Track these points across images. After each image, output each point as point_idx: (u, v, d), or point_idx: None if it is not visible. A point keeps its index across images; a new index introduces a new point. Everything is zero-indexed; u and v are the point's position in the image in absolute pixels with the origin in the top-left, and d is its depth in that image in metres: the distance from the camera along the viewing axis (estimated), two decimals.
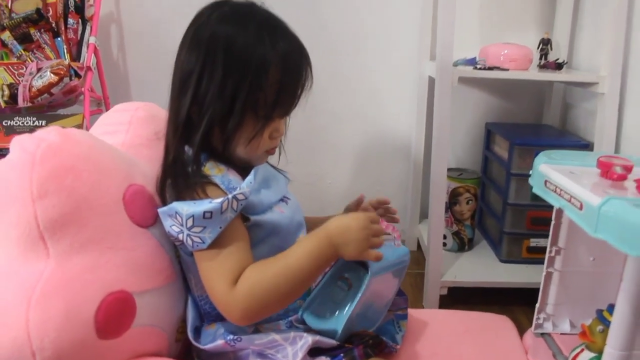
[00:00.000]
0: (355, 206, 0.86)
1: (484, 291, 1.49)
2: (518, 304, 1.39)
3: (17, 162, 0.57)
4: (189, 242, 0.63)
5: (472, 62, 1.49)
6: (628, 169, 0.80)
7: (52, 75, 1.43)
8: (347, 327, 0.69)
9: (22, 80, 1.47)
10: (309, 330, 0.70)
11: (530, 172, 0.93)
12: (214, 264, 0.64)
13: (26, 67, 1.50)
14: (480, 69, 1.43)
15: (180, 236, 0.64)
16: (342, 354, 0.68)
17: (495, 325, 0.92)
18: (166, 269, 0.69)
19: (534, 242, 1.55)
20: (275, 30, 0.68)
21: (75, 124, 1.45)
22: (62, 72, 1.44)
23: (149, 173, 0.71)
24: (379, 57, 1.80)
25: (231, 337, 0.66)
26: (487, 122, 1.78)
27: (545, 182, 0.86)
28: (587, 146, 1.49)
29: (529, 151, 1.49)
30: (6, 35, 1.56)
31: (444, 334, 0.87)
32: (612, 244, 0.65)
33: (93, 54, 1.58)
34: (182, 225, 0.63)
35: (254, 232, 0.68)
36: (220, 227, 0.63)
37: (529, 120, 1.84)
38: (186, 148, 0.69)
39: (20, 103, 1.46)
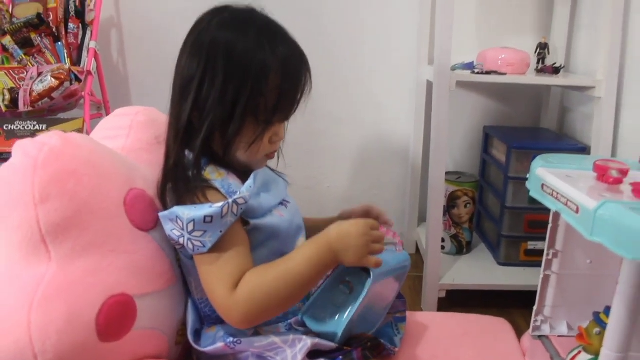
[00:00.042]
0: (360, 213, 0.86)
1: (482, 294, 1.49)
2: (516, 306, 1.40)
3: (20, 167, 0.58)
4: (190, 246, 0.64)
5: (469, 66, 1.50)
6: (624, 173, 0.81)
7: (52, 79, 1.44)
8: (347, 330, 0.70)
9: (23, 85, 1.48)
10: (308, 333, 0.70)
11: (528, 175, 0.94)
12: (214, 268, 0.65)
13: (27, 72, 1.50)
14: (477, 73, 1.44)
15: (181, 240, 0.64)
16: (341, 357, 0.69)
17: (493, 328, 0.92)
18: (167, 272, 0.69)
19: (531, 245, 1.55)
20: (275, 36, 0.68)
21: (76, 127, 1.45)
22: (62, 77, 1.45)
23: (150, 177, 0.72)
24: (378, 61, 1.81)
25: (231, 339, 0.67)
26: (485, 126, 1.79)
27: (542, 185, 0.87)
28: (585, 150, 1.50)
29: (527, 155, 1.49)
30: (7, 40, 1.57)
31: (443, 336, 0.87)
32: (608, 247, 0.66)
33: (93, 59, 1.59)
34: (182, 229, 0.63)
35: (253, 235, 0.69)
36: (221, 231, 0.63)
37: (527, 124, 1.85)
38: (186, 152, 0.69)
39: (21, 107, 1.47)
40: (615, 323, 0.71)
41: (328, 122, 1.84)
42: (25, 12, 1.60)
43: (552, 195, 0.84)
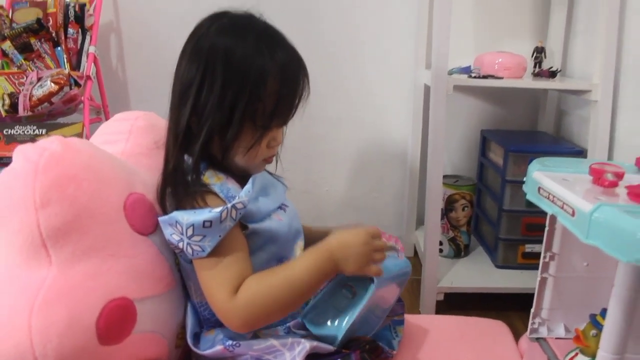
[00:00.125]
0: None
1: (480, 297, 1.50)
2: (514, 309, 1.40)
3: (20, 171, 0.58)
4: (189, 250, 0.64)
5: (466, 70, 1.51)
6: (619, 176, 0.81)
7: (52, 84, 1.44)
8: (347, 334, 0.70)
9: (22, 90, 1.49)
10: (307, 336, 0.70)
11: (525, 178, 0.94)
12: (214, 273, 0.65)
13: (27, 77, 1.51)
14: (474, 77, 1.45)
15: (181, 244, 0.65)
16: (339, 359, 0.69)
17: (491, 330, 0.93)
18: (166, 276, 0.69)
19: (529, 247, 1.56)
20: (273, 42, 0.69)
21: (75, 132, 1.46)
22: (62, 81, 1.45)
23: (149, 182, 0.72)
24: (375, 65, 1.82)
25: (230, 342, 0.67)
26: (482, 129, 1.80)
27: (539, 189, 0.88)
28: (581, 153, 1.51)
29: (524, 158, 1.50)
30: (7, 45, 1.57)
31: (441, 339, 0.87)
32: (604, 249, 0.67)
33: (93, 63, 1.60)
34: (182, 234, 0.64)
35: (252, 239, 0.69)
36: (220, 236, 0.64)
37: (524, 127, 1.85)
38: (185, 157, 0.70)
39: (21, 112, 1.47)
40: (611, 325, 0.71)
41: (326, 126, 1.85)
42: (25, 17, 1.60)
43: (548, 198, 0.84)
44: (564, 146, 1.61)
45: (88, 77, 1.57)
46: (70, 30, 1.61)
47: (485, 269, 1.60)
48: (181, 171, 0.69)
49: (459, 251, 1.68)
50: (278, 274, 0.67)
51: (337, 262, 0.67)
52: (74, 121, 1.51)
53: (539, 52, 1.61)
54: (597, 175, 0.82)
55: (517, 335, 0.94)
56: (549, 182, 0.85)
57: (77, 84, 1.52)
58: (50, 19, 1.61)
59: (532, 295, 0.96)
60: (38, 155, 0.59)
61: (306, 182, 1.90)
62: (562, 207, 0.79)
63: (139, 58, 1.83)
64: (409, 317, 0.88)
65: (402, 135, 1.87)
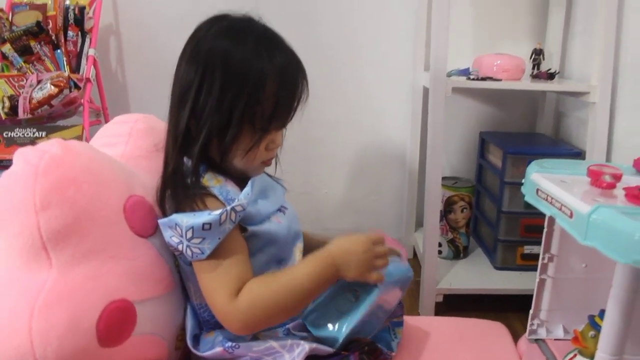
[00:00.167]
0: None
1: (479, 298, 1.50)
2: (513, 310, 1.41)
3: (21, 174, 0.59)
4: (189, 252, 0.65)
5: (465, 72, 1.51)
6: (617, 178, 0.82)
7: (52, 87, 1.45)
8: (348, 336, 0.71)
9: (22, 92, 1.49)
10: (306, 338, 0.70)
11: (523, 180, 0.95)
12: (215, 276, 0.65)
13: (26, 79, 1.51)
14: (473, 79, 1.45)
15: (180, 247, 0.65)
16: None
17: (490, 332, 0.93)
18: (166, 278, 0.70)
19: (527, 249, 1.56)
20: (272, 44, 0.69)
21: (75, 134, 1.46)
22: (62, 84, 1.45)
23: (149, 184, 0.72)
24: (374, 67, 1.83)
25: (229, 344, 0.67)
26: (481, 131, 1.80)
27: (537, 190, 0.88)
28: (580, 154, 1.51)
29: (523, 160, 1.50)
30: (7, 48, 1.58)
31: (440, 340, 0.88)
32: (601, 251, 0.67)
33: (92, 66, 1.60)
34: (181, 236, 0.64)
35: (251, 242, 0.70)
36: (219, 238, 0.64)
37: (523, 129, 1.86)
38: (185, 159, 0.70)
39: (21, 114, 1.48)
40: (609, 326, 0.71)
41: (325, 129, 1.86)
42: (25, 20, 1.61)
43: (546, 200, 0.85)
44: (562, 148, 1.61)
45: (88, 80, 1.58)
46: (70, 33, 1.62)
47: (484, 271, 1.60)
48: (181, 173, 0.69)
49: (458, 253, 1.68)
50: (280, 279, 0.67)
51: (339, 268, 0.68)
52: (74, 124, 1.51)
53: (538, 54, 1.62)
54: (595, 177, 0.82)
55: (516, 337, 0.94)
56: (547, 183, 0.85)
57: (77, 87, 1.53)
58: (50, 21, 1.61)
59: (531, 296, 0.97)
60: (38, 158, 0.59)
61: (305, 184, 1.90)
62: (560, 209, 0.79)
63: (139, 61, 1.83)
64: (408, 319, 0.88)
65: (401, 138, 1.87)
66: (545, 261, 0.95)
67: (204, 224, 0.63)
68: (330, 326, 0.71)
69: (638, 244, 0.62)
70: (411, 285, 1.52)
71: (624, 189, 0.77)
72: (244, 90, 0.65)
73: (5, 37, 1.58)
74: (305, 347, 0.67)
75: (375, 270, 0.70)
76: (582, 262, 0.94)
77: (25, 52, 1.59)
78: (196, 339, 0.72)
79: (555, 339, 0.96)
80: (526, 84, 1.51)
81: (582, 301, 0.94)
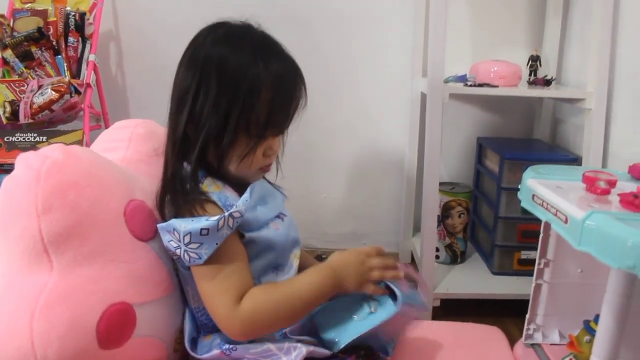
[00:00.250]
0: None
1: (476, 303, 1.50)
2: (509, 315, 1.41)
3: (23, 178, 0.59)
4: (186, 257, 0.65)
5: (462, 78, 1.52)
6: (612, 184, 0.82)
7: (52, 92, 1.46)
8: (350, 344, 0.71)
9: (23, 97, 1.50)
10: (303, 340, 0.71)
11: (520, 186, 0.95)
12: (215, 283, 0.66)
13: (27, 84, 1.52)
14: (470, 85, 1.46)
15: (178, 251, 0.66)
16: None
17: (486, 336, 0.93)
18: (165, 281, 0.70)
19: (524, 254, 1.57)
20: (269, 52, 0.70)
21: (76, 139, 1.47)
22: (62, 89, 1.47)
23: (149, 188, 0.73)
24: (373, 74, 1.84)
25: (227, 346, 0.68)
26: (478, 137, 1.81)
27: (533, 196, 0.89)
28: (576, 160, 1.52)
29: (520, 165, 1.51)
30: (8, 54, 1.59)
31: (436, 345, 0.88)
32: (596, 256, 0.68)
33: (93, 71, 1.61)
34: (179, 241, 0.65)
35: (249, 247, 0.70)
36: (217, 244, 0.65)
37: (520, 134, 1.87)
38: (185, 164, 0.70)
39: (22, 119, 1.49)
40: (603, 331, 0.72)
41: (324, 134, 1.86)
42: (26, 26, 1.62)
43: (542, 205, 0.85)
44: (558, 154, 1.62)
45: (88, 85, 1.59)
46: (71, 39, 1.63)
47: (481, 276, 1.60)
48: (180, 178, 0.69)
49: (455, 258, 1.69)
50: (282, 288, 0.69)
51: (338, 281, 0.69)
52: (74, 128, 1.52)
53: (534, 61, 1.63)
54: (590, 183, 0.83)
55: (512, 341, 0.94)
56: (543, 189, 0.86)
57: (77, 92, 1.54)
58: (51, 27, 1.62)
59: (528, 301, 0.97)
60: (40, 162, 0.60)
61: (304, 189, 1.91)
62: (555, 214, 0.80)
63: (138, 66, 1.84)
64: None
65: (399, 143, 1.88)
66: (541, 266, 0.95)
67: (201, 230, 0.64)
68: (336, 327, 0.71)
69: (631, 250, 0.62)
70: None
71: (619, 195, 0.78)
72: (239, 97, 0.66)
73: (7, 43, 1.59)
74: (302, 350, 0.68)
75: (371, 282, 0.71)
76: (578, 268, 0.95)
77: (26, 57, 1.60)
78: (194, 342, 0.73)
79: (551, 344, 0.96)
80: (523, 90, 1.52)
81: (578, 306, 0.94)
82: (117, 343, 0.61)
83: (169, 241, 0.66)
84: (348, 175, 1.92)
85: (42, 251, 0.58)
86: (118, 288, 0.62)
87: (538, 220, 0.89)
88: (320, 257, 0.91)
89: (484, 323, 0.97)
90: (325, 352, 0.70)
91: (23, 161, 0.61)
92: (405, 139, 1.86)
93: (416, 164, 1.84)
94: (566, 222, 0.76)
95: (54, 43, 1.62)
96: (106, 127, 1.41)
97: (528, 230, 1.53)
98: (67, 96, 1.48)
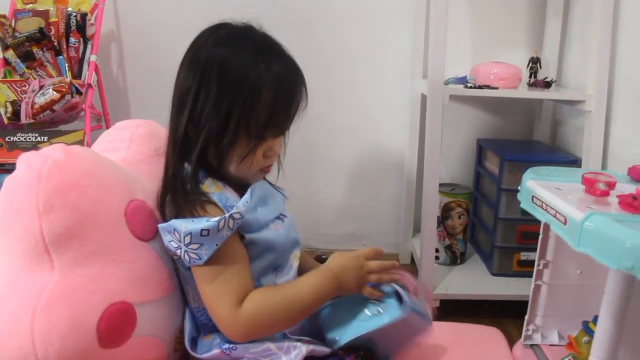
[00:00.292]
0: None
1: (476, 304, 1.51)
2: (509, 316, 1.41)
3: (24, 178, 0.60)
4: (187, 257, 0.66)
5: (462, 80, 1.53)
6: (611, 185, 0.83)
7: (54, 92, 1.46)
8: (349, 343, 0.71)
9: (24, 97, 1.50)
10: (302, 340, 0.71)
11: (519, 187, 0.96)
12: (216, 285, 0.66)
13: (29, 85, 1.53)
14: (470, 87, 1.47)
15: (178, 252, 0.66)
16: None
17: (485, 337, 0.94)
18: (165, 281, 0.71)
19: (524, 255, 1.57)
20: (270, 53, 0.70)
21: (77, 139, 1.47)
22: (63, 90, 1.47)
23: (149, 188, 0.73)
24: (373, 75, 1.84)
25: (227, 346, 0.68)
26: (479, 138, 1.81)
27: (532, 197, 0.89)
28: (576, 162, 1.52)
29: (520, 167, 1.51)
30: (10, 54, 1.60)
31: (436, 345, 0.87)
32: (594, 257, 0.68)
33: (94, 72, 1.61)
34: (180, 241, 0.65)
35: (249, 248, 0.71)
36: (217, 245, 0.65)
37: (520, 136, 1.87)
38: (186, 165, 0.71)
39: (23, 119, 1.49)
40: (601, 331, 0.72)
41: (325, 134, 1.87)
42: (28, 26, 1.62)
43: (541, 207, 0.86)
44: (558, 155, 1.63)
45: (89, 85, 1.59)
46: (72, 39, 1.63)
47: (480, 277, 1.61)
48: (180, 179, 0.70)
49: (455, 259, 1.69)
50: (283, 292, 0.69)
51: (338, 284, 0.70)
52: (75, 129, 1.52)
53: (535, 63, 1.63)
54: (590, 185, 0.83)
55: (511, 342, 0.95)
56: (542, 190, 0.86)
57: (79, 92, 1.54)
58: (53, 28, 1.63)
59: (527, 302, 0.98)
60: (41, 162, 0.60)
61: (304, 190, 1.91)
62: (554, 216, 0.80)
63: (140, 67, 1.85)
64: None
65: (400, 144, 1.89)
66: (541, 267, 0.96)
67: (202, 230, 0.64)
68: (339, 326, 0.72)
69: (630, 251, 0.63)
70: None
71: (618, 196, 0.78)
72: (239, 97, 0.66)
73: (8, 43, 1.60)
74: (302, 349, 0.68)
75: (367, 285, 0.71)
76: (577, 269, 0.95)
77: (27, 58, 1.60)
78: (194, 342, 0.73)
79: (550, 345, 0.96)
80: (522, 92, 1.52)
81: (577, 307, 0.95)
82: (118, 342, 0.61)
83: (169, 241, 0.67)
84: (348, 176, 1.93)
85: (44, 251, 0.58)
86: (119, 288, 0.62)
87: (538, 222, 0.89)
88: (320, 258, 0.91)
89: (484, 324, 0.97)
90: (325, 349, 0.70)
91: (24, 161, 0.62)
92: (405, 140, 1.86)
93: (416, 165, 1.84)
94: (565, 223, 0.76)
95: (56, 43, 1.62)
96: (107, 128, 1.42)
97: (528, 232, 1.54)
98: (68, 96, 1.48)
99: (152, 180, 0.74)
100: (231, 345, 0.68)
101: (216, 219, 0.64)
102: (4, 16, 1.63)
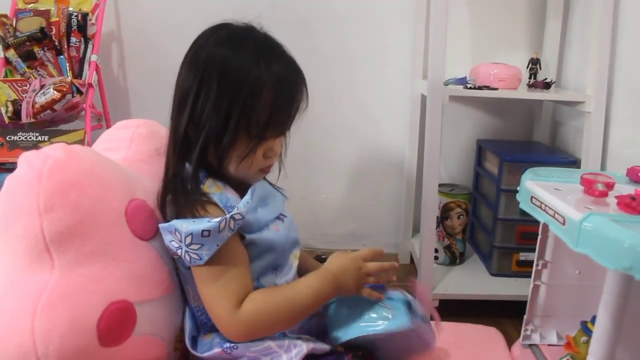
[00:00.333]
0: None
1: (475, 304, 1.51)
2: (508, 316, 1.41)
3: (25, 178, 0.60)
4: (187, 257, 0.66)
5: (462, 81, 1.53)
6: (610, 186, 0.83)
7: (54, 92, 1.46)
8: (349, 341, 0.71)
9: (25, 97, 1.51)
10: (303, 338, 0.71)
11: (519, 188, 0.96)
12: (216, 286, 0.67)
13: (30, 84, 1.53)
14: (470, 88, 1.47)
15: (179, 252, 0.66)
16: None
17: (484, 337, 0.94)
18: (165, 280, 0.71)
19: (523, 256, 1.57)
20: (271, 53, 0.70)
21: (77, 139, 1.48)
22: (64, 89, 1.47)
23: (150, 188, 0.73)
24: (373, 75, 1.84)
25: (227, 345, 0.68)
26: (478, 139, 1.82)
27: (531, 198, 0.89)
28: (575, 163, 1.52)
29: (519, 167, 1.51)
30: (11, 53, 1.60)
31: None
32: (593, 257, 0.68)
33: (95, 71, 1.62)
34: (181, 241, 0.65)
35: (250, 249, 0.71)
36: (217, 245, 0.65)
37: (520, 137, 1.87)
38: (187, 165, 0.71)
39: (24, 119, 1.49)
40: (599, 331, 0.73)
41: (325, 134, 1.87)
42: (29, 26, 1.62)
43: (540, 207, 0.86)
44: (558, 156, 1.63)
45: (90, 85, 1.59)
46: (73, 39, 1.64)
47: (480, 277, 1.61)
48: (181, 178, 0.70)
49: (454, 259, 1.69)
50: (282, 293, 0.69)
51: (338, 285, 0.71)
52: (76, 128, 1.53)
53: (534, 64, 1.64)
54: (588, 185, 0.84)
55: (510, 342, 0.95)
56: (541, 191, 0.87)
57: (79, 92, 1.55)
58: (54, 28, 1.63)
59: (526, 302, 0.98)
60: (42, 162, 0.60)
61: (304, 190, 1.91)
62: (553, 216, 0.81)
63: (140, 66, 1.85)
64: None
65: (399, 145, 1.89)
66: (540, 267, 0.96)
67: (203, 231, 0.64)
68: (345, 323, 0.72)
69: (628, 251, 0.63)
70: (407, 291, 1.52)
71: (616, 197, 0.78)
72: (240, 98, 0.66)
73: (9, 43, 1.60)
74: (302, 347, 0.68)
75: (366, 286, 0.72)
76: (576, 269, 0.96)
77: (28, 57, 1.61)
78: (194, 341, 0.73)
79: (548, 345, 0.97)
80: (522, 93, 1.52)
81: (575, 307, 0.95)
82: (118, 341, 0.61)
83: (170, 241, 0.67)
84: (348, 176, 1.93)
85: (44, 250, 0.59)
86: (119, 287, 0.63)
87: (537, 222, 0.90)
88: (320, 258, 0.91)
89: (482, 324, 0.97)
90: (325, 346, 0.71)
91: (25, 160, 0.62)
92: (405, 140, 1.87)
93: (416, 165, 1.84)
94: (564, 223, 0.76)
95: (57, 43, 1.62)
96: (107, 127, 1.42)
97: (527, 232, 1.54)
98: (69, 96, 1.49)
99: (152, 179, 0.74)
100: (232, 344, 0.68)
101: (217, 219, 0.64)
102: (5, 16, 1.64)
